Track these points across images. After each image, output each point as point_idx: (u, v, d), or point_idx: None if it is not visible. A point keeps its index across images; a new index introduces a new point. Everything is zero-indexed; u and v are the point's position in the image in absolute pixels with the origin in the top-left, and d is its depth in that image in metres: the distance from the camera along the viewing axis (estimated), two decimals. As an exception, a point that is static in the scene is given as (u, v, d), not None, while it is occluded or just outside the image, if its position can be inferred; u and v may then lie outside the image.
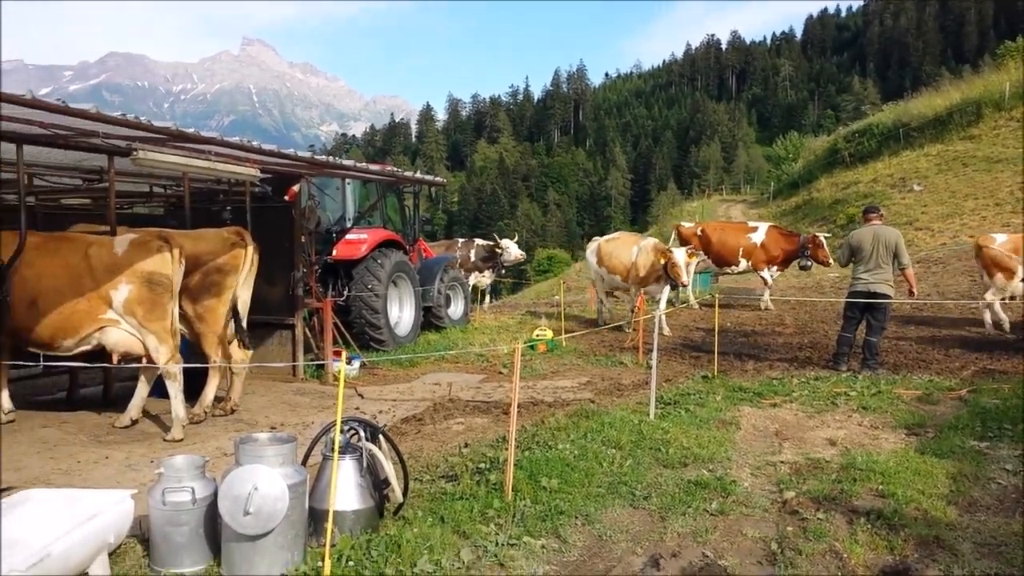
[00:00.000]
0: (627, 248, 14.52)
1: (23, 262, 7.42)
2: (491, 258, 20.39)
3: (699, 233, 18.77)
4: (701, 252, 17.41)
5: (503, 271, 21.62)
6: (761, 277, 18.37)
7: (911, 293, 10.64)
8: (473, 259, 20.09)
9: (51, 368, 9.26)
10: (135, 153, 7.12)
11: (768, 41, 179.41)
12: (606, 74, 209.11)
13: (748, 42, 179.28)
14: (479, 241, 21.02)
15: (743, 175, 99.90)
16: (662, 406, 8.39)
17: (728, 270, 18.91)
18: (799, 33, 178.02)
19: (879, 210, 10.76)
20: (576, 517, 5.20)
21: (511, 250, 20.39)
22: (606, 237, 16.00)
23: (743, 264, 18.33)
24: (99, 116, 6.09)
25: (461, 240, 21.55)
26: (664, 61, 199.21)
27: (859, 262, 10.36)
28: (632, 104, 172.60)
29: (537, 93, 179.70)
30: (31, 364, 8.14)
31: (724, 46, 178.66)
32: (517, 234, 25.13)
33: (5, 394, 8.28)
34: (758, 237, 18.17)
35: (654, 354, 8.21)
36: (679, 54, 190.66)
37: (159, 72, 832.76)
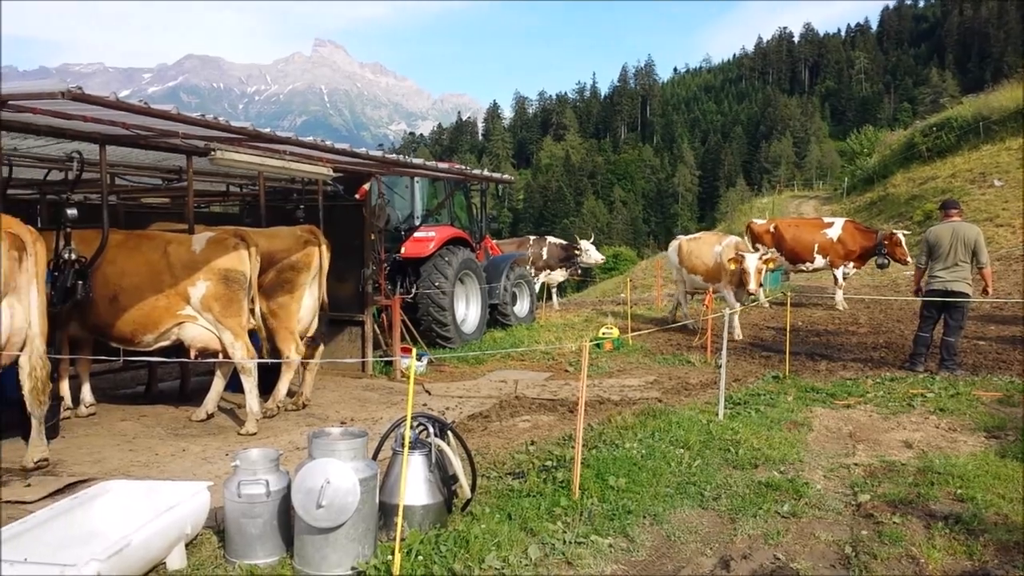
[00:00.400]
0: (709, 248, 14.30)
1: (105, 259, 7.70)
2: (567, 257, 20.13)
3: (772, 230, 18.42)
4: (773, 250, 17.05)
5: (579, 271, 21.45)
6: (834, 275, 17.94)
7: (985, 292, 10.26)
8: (545, 257, 19.91)
9: (131, 363, 9.61)
10: (213, 153, 7.33)
11: (843, 33, 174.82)
12: (675, 69, 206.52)
13: (822, 34, 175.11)
14: (551, 239, 20.78)
15: (815, 170, 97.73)
16: (731, 406, 8.28)
17: (802, 267, 18.50)
18: (874, 24, 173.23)
19: (958, 206, 10.38)
20: (644, 517, 5.17)
21: (591, 253, 20.16)
22: (688, 236, 15.82)
23: (819, 261, 17.90)
24: (179, 117, 6.28)
25: (533, 238, 21.35)
26: (734, 55, 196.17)
27: (936, 260, 10.01)
28: (701, 99, 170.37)
29: (604, 89, 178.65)
30: (112, 359, 8.46)
31: (797, 39, 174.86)
32: (593, 235, 24.59)
33: (87, 388, 8.61)
34: (834, 232, 17.73)
35: (723, 353, 8.11)
36: (750, 48, 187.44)
37: (234, 74, 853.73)
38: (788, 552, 4.68)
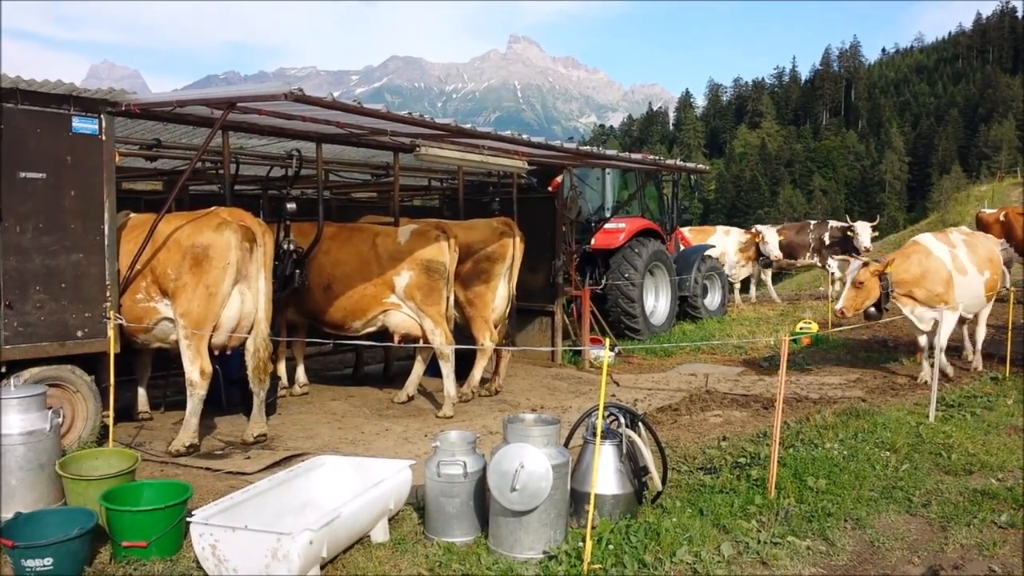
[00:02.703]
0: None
1: (320, 250, 8.29)
2: (843, 240, 18.55)
3: (1002, 219, 16.88)
4: (1003, 242, 15.59)
5: (766, 263, 19.72)
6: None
7: None
8: (828, 242, 18.73)
9: (340, 346, 10.28)
10: (419, 149, 7.71)
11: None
12: (883, 50, 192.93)
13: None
14: (833, 223, 19.47)
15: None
16: (944, 408, 7.74)
17: None
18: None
19: None
20: (845, 520, 4.96)
21: (862, 237, 18.38)
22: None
23: None
24: (389, 115, 6.65)
25: (814, 222, 20.13)
26: (950, 33, 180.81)
27: None
28: (912, 81, 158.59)
29: (804, 73, 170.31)
30: (323, 342, 9.09)
31: (1021, 14, 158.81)
32: (878, 216, 22.73)
33: (301, 369, 9.31)
34: (1071, 221, 16.03)
35: (937, 352, 7.59)
36: (967, 24, 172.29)
37: (434, 73, 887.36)
38: (1006, 565, 4.35)
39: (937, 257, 9.42)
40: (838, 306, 9.35)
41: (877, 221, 19.83)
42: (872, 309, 9.40)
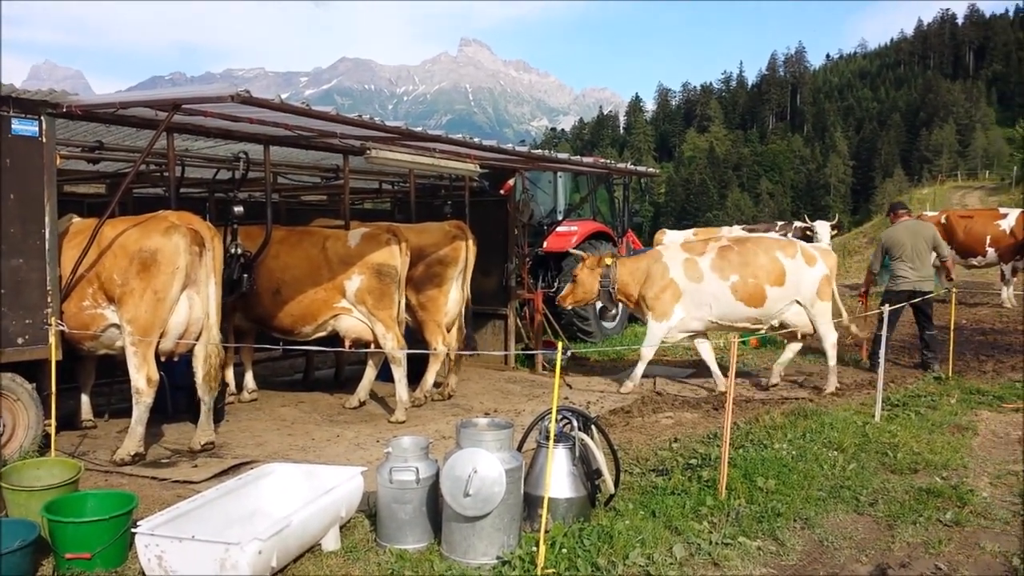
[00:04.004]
0: None
1: (268, 254, 8.17)
2: (803, 240, 18.74)
3: (943, 221, 17.31)
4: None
5: None
6: (1002, 271, 16.72)
7: (949, 279, 11.29)
8: None
9: (289, 351, 10.15)
10: (369, 152, 7.65)
11: (1011, 14, 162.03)
12: (827, 55, 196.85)
13: (988, 15, 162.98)
14: (798, 223, 19.19)
15: (980, 159, 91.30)
16: (889, 408, 7.92)
17: (973, 262, 17.30)
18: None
19: (905, 206, 11.14)
20: (795, 520, 5.03)
21: (822, 235, 18.05)
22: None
23: (990, 255, 16.71)
24: (338, 118, 6.58)
25: (780, 222, 19.84)
26: (892, 39, 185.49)
27: (898, 260, 10.27)
28: (856, 86, 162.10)
29: (752, 79, 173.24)
30: (272, 348, 8.96)
31: (960, 21, 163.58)
32: (837, 216, 22.59)
33: (249, 375, 9.16)
34: (1008, 224, 16.51)
35: (881, 352, 7.75)
36: (909, 31, 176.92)
37: (384, 75, 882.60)
38: (951, 562, 4.45)
39: (663, 263, 9.38)
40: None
41: (837, 220, 20.01)
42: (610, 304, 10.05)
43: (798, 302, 9.25)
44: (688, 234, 18.13)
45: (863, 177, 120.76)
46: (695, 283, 9.21)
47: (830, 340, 9.34)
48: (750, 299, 9.17)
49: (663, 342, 9.60)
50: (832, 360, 9.39)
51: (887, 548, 4.69)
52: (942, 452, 6.41)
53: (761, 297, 9.17)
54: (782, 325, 9.41)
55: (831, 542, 4.76)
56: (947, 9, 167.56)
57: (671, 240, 17.88)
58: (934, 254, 10.41)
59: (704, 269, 9.24)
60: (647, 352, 9.43)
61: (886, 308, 8.24)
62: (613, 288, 9.43)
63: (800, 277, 9.19)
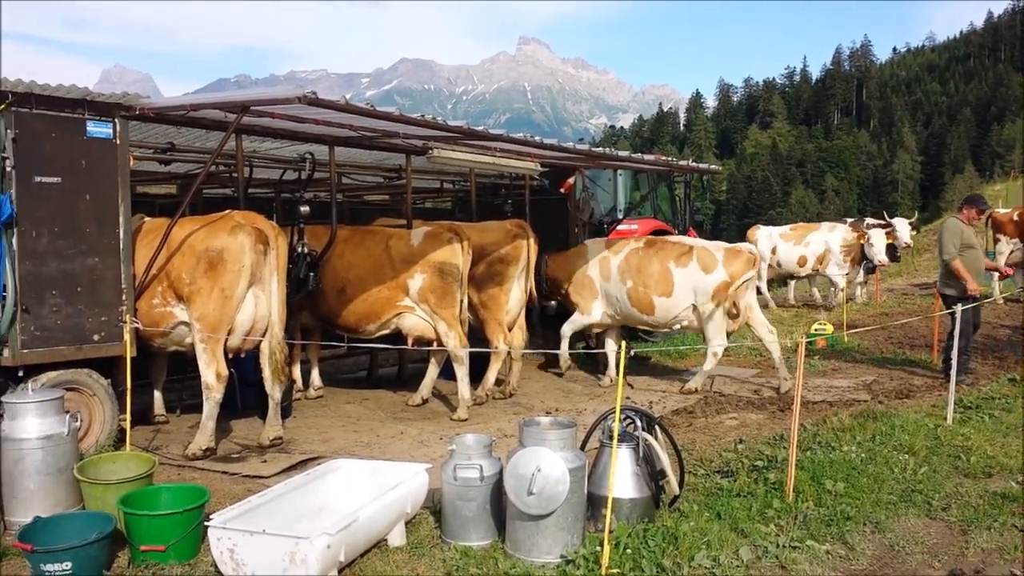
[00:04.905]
0: None
1: (333, 254, 8.29)
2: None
3: (1016, 218, 16.70)
4: (1017, 242, 15.45)
5: (870, 268, 16.93)
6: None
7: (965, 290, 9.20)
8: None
9: (353, 349, 10.29)
10: (431, 151, 7.70)
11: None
12: (894, 49, 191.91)
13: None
14: (870, 220, 17.52)
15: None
16: (962, 410, 7.67)
17: None
18: None
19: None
20: (864, 524, 4.92)
21: (903, 233, 16.29)
22: None
23: None
24: (402, 118, 6.64)
25: (850, 220, 18.22)
26: (961, 32, 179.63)
27: None
28: (924, 80, 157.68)
29: (816, 73, 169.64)
30: (337, 345, 9.09)
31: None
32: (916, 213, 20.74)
33: (316, 372, 9.32)
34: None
35: (954, 353, 7.53)
36: (979, 23, 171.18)
37: (443, 75, 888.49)
38: (1029, 570, 4.29)
39: (585, 259, 9.79)
40: None
41: (916, 217, 19.15)
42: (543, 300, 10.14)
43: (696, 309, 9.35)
44: (785, 229, 17.73)
45: (932, 173, 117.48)
46: (606, 281, 9.62)
47: (713, 346, 9.29)
48: (640, 305, 9.47)
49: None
50: (707, 364, 9.43)
51: (960, 554, 4.57)
52: (1017, 456, 6.20)
53: (650, 305, 9.43)
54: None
55: (902, 547, 4.65)
56: (1019, 1, 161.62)
57: (764, 235, 17.54)
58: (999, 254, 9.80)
59: (613, 269, 9.56)
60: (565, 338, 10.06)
61: (958, 308, 8.00)
62: (545, 283, 9.89)
63: (695, 285, 9.24)
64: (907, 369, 10.53)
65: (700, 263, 9.22)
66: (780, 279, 18.01)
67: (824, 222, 19.16)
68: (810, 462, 5.81)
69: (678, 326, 9.69)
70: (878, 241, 16.04)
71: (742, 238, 15.91)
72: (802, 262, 16.92)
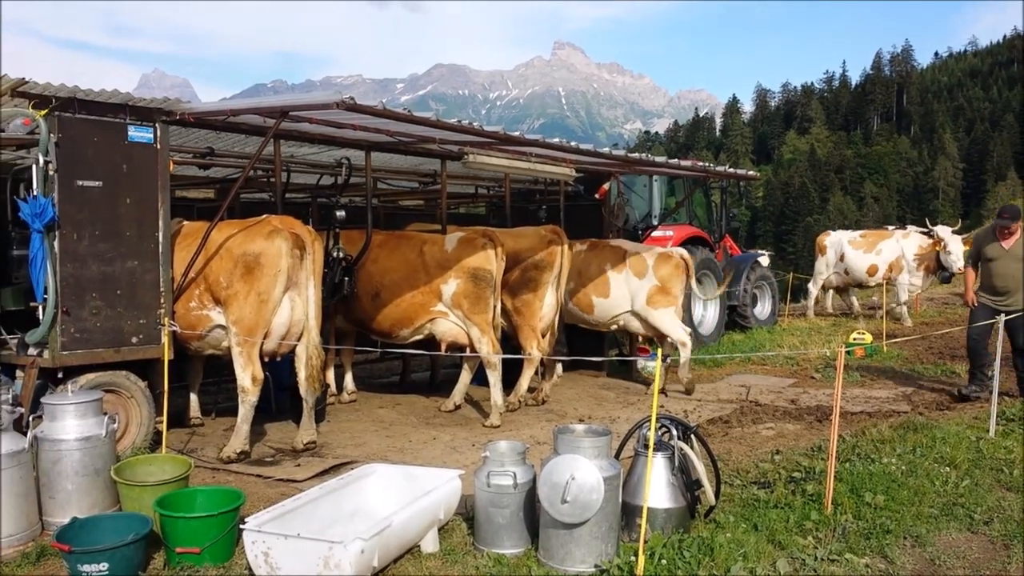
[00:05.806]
0: None
1: (368, 258, 8.33)
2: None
3: None
4: None
5: (946, 277, 16.14)
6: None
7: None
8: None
9: (386, 354, 10.33)
10: (466, 156, 7.70)
11: None
12: (935, 54, 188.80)
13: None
14: (913, 228, 16.82)
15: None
16: (1004, 422, 7.49)
17: None
18: None
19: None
20: (904, 537, 4.81)
21: (953, 247, 15.17)
22: None
23: None
24: (438, 123, 6.66)
25: (890, 227, 17.73)
26: (1005, 36, 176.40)
27: None
28: (966, 85, 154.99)
29: (855, 78, 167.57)
30: (370, 349, 9.13)
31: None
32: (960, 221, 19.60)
33: (349, 376, 9.36)
34: None
35: (996, 364, 7.36)
36: (1022, 28, 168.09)
37: (478, 80, 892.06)
38: (1075, 587, 4.17)
39: None
40: None
41: (960, 225, 18.55)
42: None
43: (634, 312, 9.82)
44: (855, 236, 17.06)
45: (974, 181, 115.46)
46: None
47: (675, 338, 9.69)
48: (580, 305, 10.06)
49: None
50: (683, 356, 9.66)
51: (1002, 569, 4.46)
52: (1064, 470, 6.04)
53: (589, 305, 10.02)
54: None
55: (943, 561, 4.54)
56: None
57: (833, 241, 16.91)
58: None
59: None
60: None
61: (1001, 318, 7.83)
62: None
63: (629, 290, 9.76)
64: (948, 380, 10.32)
65: (633, 269, 9.70)
66: (847, 287, 17.17)
67: (896, 228, 17.97)
68: (849, 474, 5.70)
69: (615, 326, 10.25)
70: (956, 248, 15.19)
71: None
72: (872, 271, 16.12)
